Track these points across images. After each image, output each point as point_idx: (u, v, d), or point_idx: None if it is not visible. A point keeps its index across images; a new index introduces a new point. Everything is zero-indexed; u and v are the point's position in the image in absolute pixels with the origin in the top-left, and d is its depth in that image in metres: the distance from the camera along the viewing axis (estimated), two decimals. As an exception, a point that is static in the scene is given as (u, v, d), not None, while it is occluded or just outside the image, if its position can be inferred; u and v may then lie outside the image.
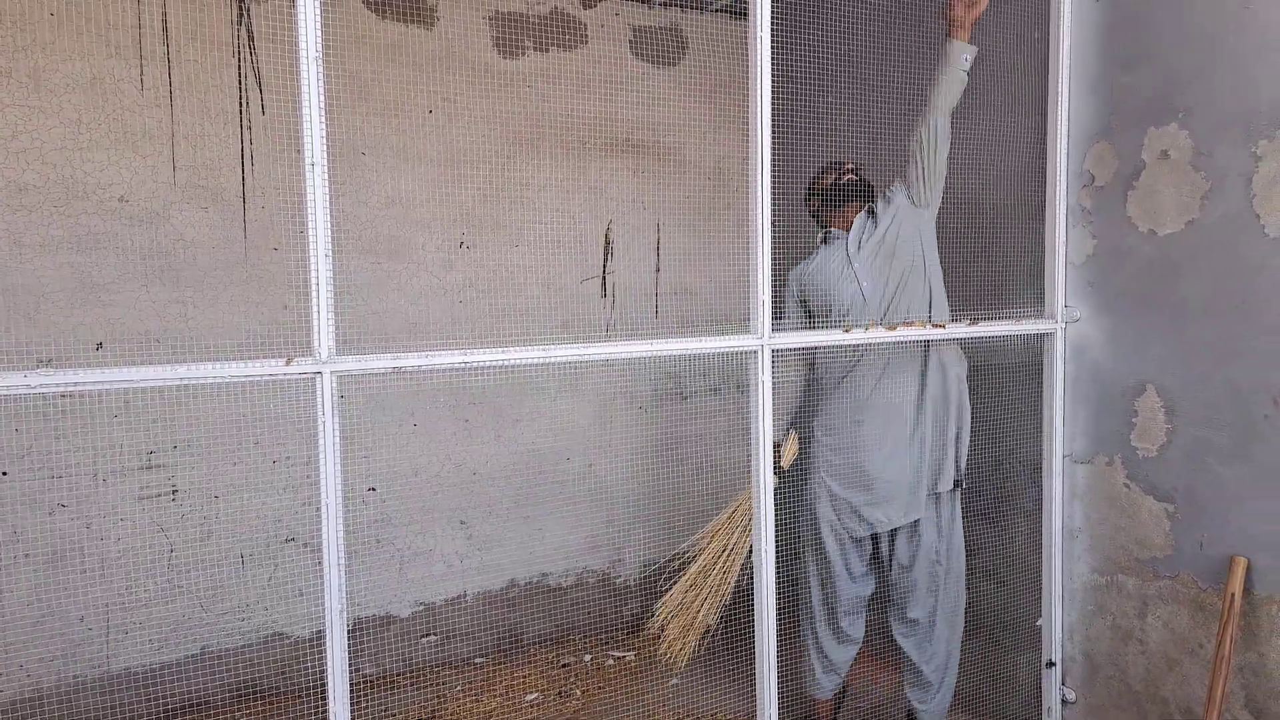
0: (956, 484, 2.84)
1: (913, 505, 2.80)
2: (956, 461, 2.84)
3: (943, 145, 2.75)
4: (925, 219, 2.83)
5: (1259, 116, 2.29)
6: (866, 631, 3.00)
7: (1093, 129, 2.70)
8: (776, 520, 2.49)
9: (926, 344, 2.82)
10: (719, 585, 3.11)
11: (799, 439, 3.04)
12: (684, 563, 3.24)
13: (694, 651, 3.15)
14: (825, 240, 2.97)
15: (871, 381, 2.81)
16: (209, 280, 3.17)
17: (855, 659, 3.03)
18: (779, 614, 2.49)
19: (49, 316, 2.95)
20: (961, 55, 2.68)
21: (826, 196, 2.95)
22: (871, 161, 3.09)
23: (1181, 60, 2.47)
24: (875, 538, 2.90)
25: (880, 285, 2.80)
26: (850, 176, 2.93)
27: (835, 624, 2.94)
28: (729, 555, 3.11)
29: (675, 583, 3.19)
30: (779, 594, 2.48)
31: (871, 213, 2.88)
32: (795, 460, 3.06)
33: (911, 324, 2.66)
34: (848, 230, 2.90)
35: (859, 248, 2.84)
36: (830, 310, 2.85)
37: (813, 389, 3.00)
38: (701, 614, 3.09)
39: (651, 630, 3.23)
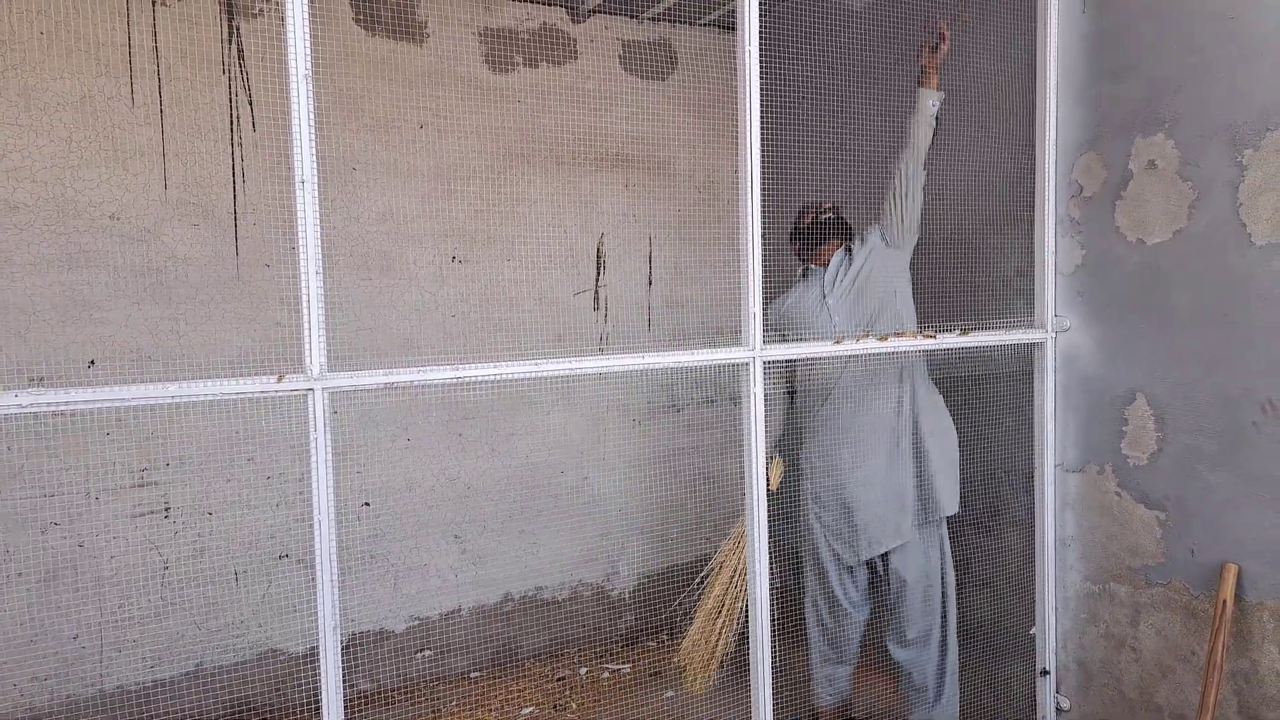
0: (949, 516, 2.90)
1: (895, 531, 2.85)
2: (942, 494, 2.87)
3: (915, 189, 2.84)
4: (899, 259, 2.92)
5: (1245, 126, 2.31)
6: (870, 648, 3.07)
7: (1080, 139, 2.72)
8: (770, 539, 2.51)
9: (900, 371, 2.88)
10: (733, 611, 3.16)
11: (785, 462, 3.08)
12: (700, 594, 3.27)
13: (714, 678, 3.17)
14: (805, 275, 3.07)
15: (849, 409, 2.89)
16: (201, 297, 3.17)
17: (863, 673, 3.13)
18: (777, 626, 2.49)
19: (40, 334, 2.95)
20: (929, 101, 2.79)
21: (806, 235, 3.05)
22: (858, 178, 3.11)
23: (1167, 70, 2.49)
24: (870, 562, 2.94)
25: (853, 322, 2.90)
26: (828, 215, 3.03)
27: (835, 645, 3.03)
28: (737, 581, 3.15)
29: (694, 620, 3.21)
30: (777, 607, 2.49)
31: (849, 251, 2.97)
32: (783, 483, 3.08)
33: (903, 334, 2.67)
34: (826, 267, 3.00)
35: (834, 284, 2.94)
36: None
37: (795, 415, 3.07)
38: (720, 643, 3.13)
39: (678, 664, 3.25)
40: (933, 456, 2.86)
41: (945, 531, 2.94)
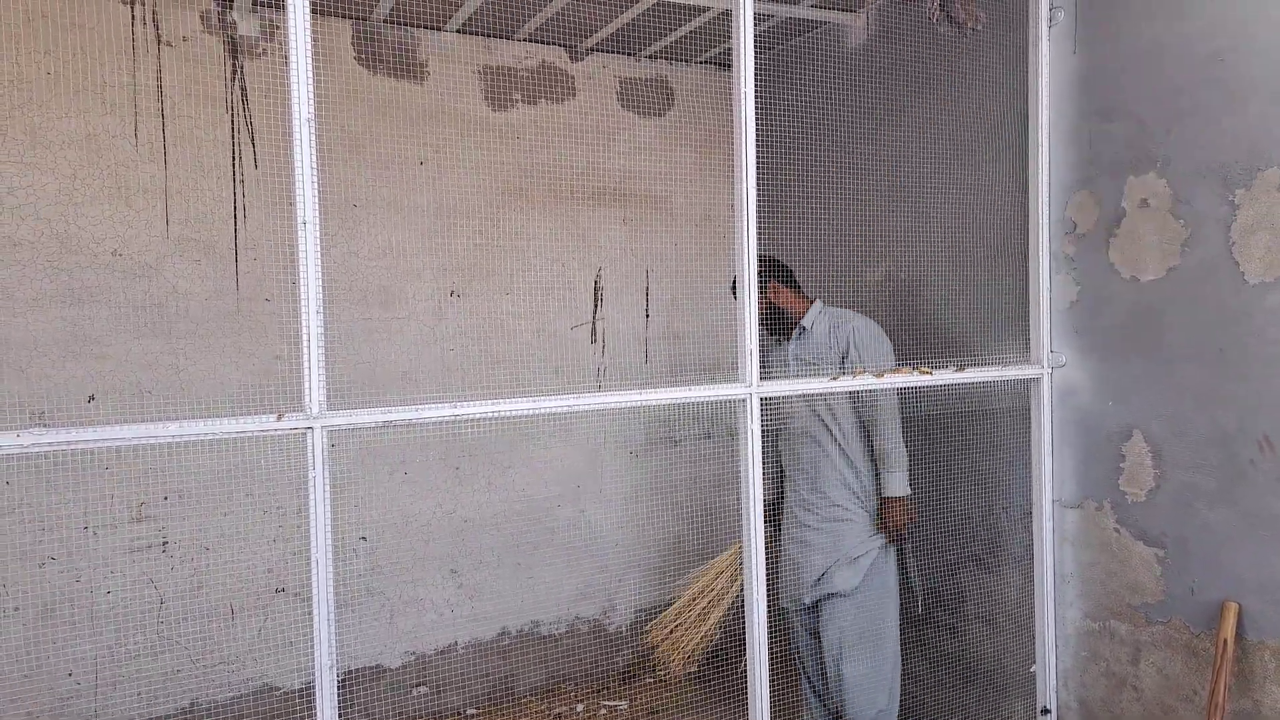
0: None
1: (820, 585, 2.94)
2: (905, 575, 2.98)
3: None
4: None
5: (1236, 166, 2.34)
6: None
7: (1073, 178, 2.75)
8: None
9: (826, 431, 2.97)
10: (705, 612, 3.26)
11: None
12: (672, 600, 3.40)
13: (684, 662, 3.29)
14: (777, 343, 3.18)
15: (804, 470, 2.99)
16: (201, 331, 3.18)
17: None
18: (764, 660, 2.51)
19: (41, 370, 2.96)
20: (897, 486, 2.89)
21: (764, 318, 3.10)
22: (853, 213, 3.13)
23: (1158, 111, 2.52)
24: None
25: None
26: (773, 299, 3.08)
27: (812, 683, 3.13)
28: (711, 597, 3.22)
29: (669, 607, 3.36)
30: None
31: (803, 330, 3.06)
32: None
33: (899, 370, 2.68)
34: (788, 340, 3.12)
35: (796, 362, 3.05)
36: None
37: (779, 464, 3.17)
38: (688, 639, 3.24)
39: (651, 642, 3.39)
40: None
41: (888, 585, 2.97)
